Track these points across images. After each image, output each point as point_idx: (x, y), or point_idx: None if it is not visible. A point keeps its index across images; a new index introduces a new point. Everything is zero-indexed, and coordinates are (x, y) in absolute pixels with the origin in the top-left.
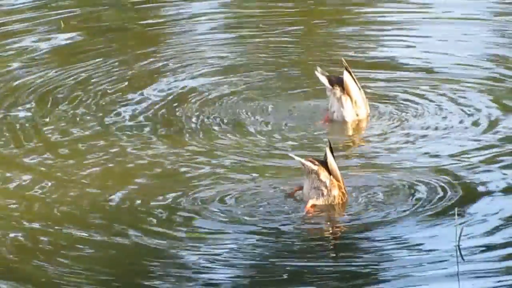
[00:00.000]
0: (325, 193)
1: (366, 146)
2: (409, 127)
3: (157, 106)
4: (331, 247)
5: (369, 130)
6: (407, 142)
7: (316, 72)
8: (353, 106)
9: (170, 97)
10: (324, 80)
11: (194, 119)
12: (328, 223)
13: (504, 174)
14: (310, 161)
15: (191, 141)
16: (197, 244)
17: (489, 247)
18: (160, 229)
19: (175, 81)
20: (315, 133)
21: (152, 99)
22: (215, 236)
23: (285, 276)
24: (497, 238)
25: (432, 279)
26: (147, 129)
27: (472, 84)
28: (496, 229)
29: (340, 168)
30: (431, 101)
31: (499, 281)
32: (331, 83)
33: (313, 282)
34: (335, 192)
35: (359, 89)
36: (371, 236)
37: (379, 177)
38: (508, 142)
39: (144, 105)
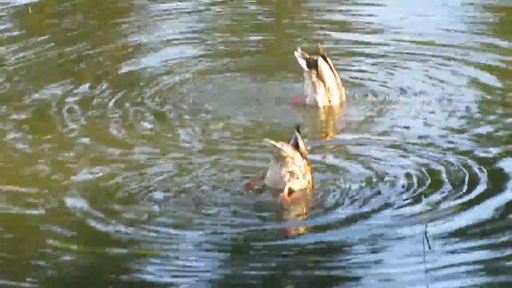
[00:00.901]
0: (300, 176)
1: (335, 133)
2: (381, 116)
3: (121, 93)
4: (304, 249)
5: (340, 117)
6: (377, 132)
7: (295, 53)
8: (326, 92)
9: (134, 83)
10: (302, 62)
11: (155, 107)
12: (299, 218)
13: (478, 166)
14: (287, 146)
15: (153, 131)
16: (161, 245)
17: (457, 237)
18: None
19: (141, 66)
20: (284, 117)
21: (116, 83)
22: (180, 234)
23: (253, 282)
24: (465, 230)
25: (398, 274)
26: (110, 121)
27: (447, 68)
28: (465, 222)
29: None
30: (403, 89)
31: (465, 273)
32: (309, 66)
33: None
34: (308, 176)
35: (335, 75)
36: (338, 235)
37: (343, 166)
38: (486, 133)
39: (106, 91)
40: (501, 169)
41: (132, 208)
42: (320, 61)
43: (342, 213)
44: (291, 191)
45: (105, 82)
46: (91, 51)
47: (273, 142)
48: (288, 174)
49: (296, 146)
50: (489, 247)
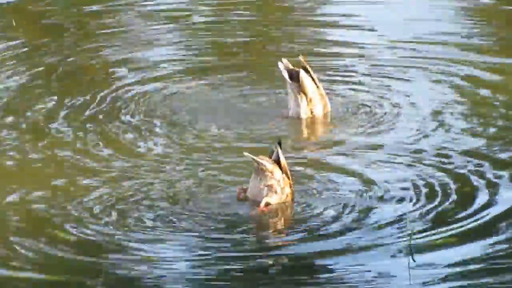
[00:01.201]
0: (278, 190)
1: (317, 145)
2: (367, 127)
3: (105, 105)
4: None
5: (323, 128)
6: (362, 144)
7: (279, 64)
8: (308, 104)
9: (118, 96)
10: (285, 74)
11: (140, 118)
12: (278, 232)
13: (468, 178)
14: (266, 160)
15: (139, 140)
16: (142, 253)
17: (441, 252)
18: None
19: (126, 81)
20: (265, 130)
21: (100, 96)
22: (161, 245)
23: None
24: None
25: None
26: (91, 132)
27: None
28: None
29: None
30: (390, 100)
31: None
32: (292, 77)
33: None
34: (287, 189)
35: (317, 86)
36: (317, 249)
37: (325, 178)
38: (466, 144)
39: (87, 103)
40: (494, 182)
41: (110, 220)
42: (302, 73)
43: (322, 226)
44: (268, 205)
45: (80, 93)
46: (67, 61)
47: (252, 156)
48: (266, 188)
49: (277, 160)
50: (475, 259)
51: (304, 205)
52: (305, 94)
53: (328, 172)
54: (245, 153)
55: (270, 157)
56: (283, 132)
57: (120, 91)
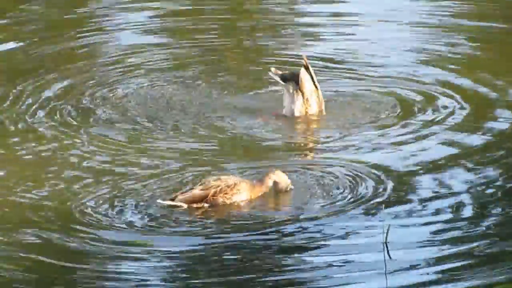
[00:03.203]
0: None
1: (308, 143)
2: (360, 127)
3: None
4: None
5: (317, 127)
6: (352, 144)
7: (269, 73)
8: (304, 103)
9: (102, 95)
10: (277, 78)
11: (128, 119)
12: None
13: (441, 175)
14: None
15: (126, 141)
16: (126, 254)
17: (416, 246)
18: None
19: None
20: (255, 129)
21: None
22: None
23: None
24: (425, 236)
25: (360, 277)
26: (71, 128)
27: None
28: (425, 226)
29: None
30: (382, 99)
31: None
32: (284, 80)
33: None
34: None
35: (316, 88)
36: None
37: (311, 173)
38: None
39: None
40: (477, 180)
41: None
42: (302, 72)
43: (302, 219)
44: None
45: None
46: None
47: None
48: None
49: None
50: (452, 255)
51: (288, 202)
52: (302, 92)
53: (317, 171)
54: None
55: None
56: (275, 130)
57: (98, 90)
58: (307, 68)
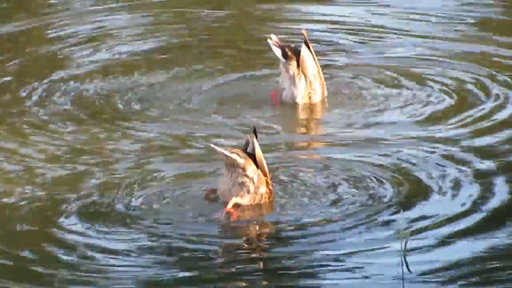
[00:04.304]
0: (251, 190)
1: (312, 136)
2: (366, 117)
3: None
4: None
5: (321, 116)
6: (360, 136)
7: (268, 41)
8: (307, 87)
9: (86, 85)
10: (277, 51)
11: (112, 106)
12: (255, 231)
13: (458, 171)
14: (236, 153)
15: (109, 131)
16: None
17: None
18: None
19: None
20: (251, 115)
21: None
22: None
23: None
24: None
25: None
26: (54, 122)
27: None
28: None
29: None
30: (390, 87)
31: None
32: (285, 56)
33: None
34: (263, 189)
35: (318, 69)
36: (303, 244)
37: (314, 174)
38: (465, 138)
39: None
40: (484, 173)
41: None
42: (304, 50)
43: (305, 231)
44: (237, 206)
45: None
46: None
47: (219, 148)
48: (237, 186)
49: (252, 153)
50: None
51: (285, 205)
52: (305, 75)
53: (317, 170)
54: (212, 145)
55: (245, 150)
56: (274, 120)
57: (83, 82)
58: (307, 45)
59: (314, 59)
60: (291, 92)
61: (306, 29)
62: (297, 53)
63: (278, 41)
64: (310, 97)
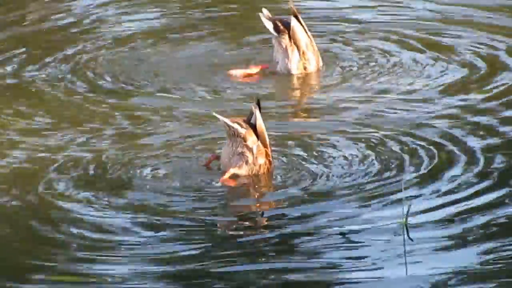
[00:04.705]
0: (250, 160)
1: (309, 106)
2: (363, 89)
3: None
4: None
5: (317, 87)
6: (356, 102)
7: (260, 15)
8: (301, 58)
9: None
10: (269, 25)
11: (104, 84)
12: (251, 201)
13: (459, 145)
14: (237, 123)
15: (105, 106)
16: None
17: (437, 224)
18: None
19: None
20: (248, 88)
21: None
22: (117, 220)
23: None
24: (444, 214)
25: (379, 262)
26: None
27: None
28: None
29: (270, 135)
30: (387, 55)
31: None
32: (277, 29)
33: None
34: (261, 160)
35: (310, 39)
36: (305, 215)
37: (315, 144)
38: (466, 113)
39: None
40: (478, 151)
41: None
42: (293, 22)
43: (305, 204)
44: (235, 176)
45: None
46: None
47: (222, 118)
48: (236, 156)
49: (254, 124)
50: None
51: (284, 177)
52: (297, 46)
53: (316, 141)
54: (214, 113)
55: (248, 121)
56: (270, 90)
57: (83, 56)
58: (296, 17)
59: (305, 30)
60: (285, 64)
61: (293, 4)
62: (288, 26)
63: (269, 14)
64: (305, 68)
